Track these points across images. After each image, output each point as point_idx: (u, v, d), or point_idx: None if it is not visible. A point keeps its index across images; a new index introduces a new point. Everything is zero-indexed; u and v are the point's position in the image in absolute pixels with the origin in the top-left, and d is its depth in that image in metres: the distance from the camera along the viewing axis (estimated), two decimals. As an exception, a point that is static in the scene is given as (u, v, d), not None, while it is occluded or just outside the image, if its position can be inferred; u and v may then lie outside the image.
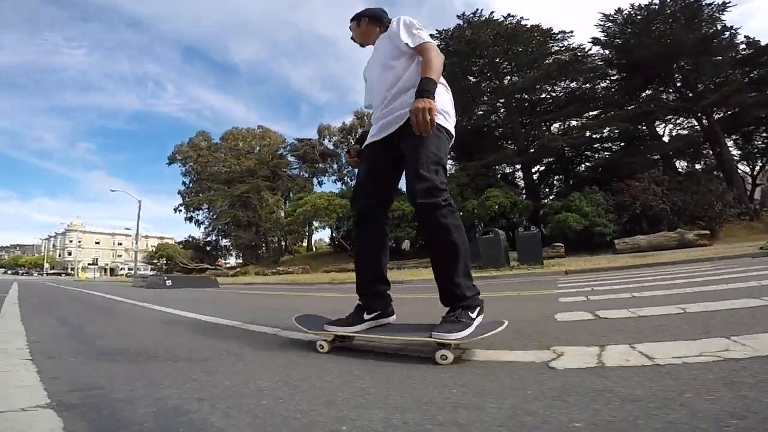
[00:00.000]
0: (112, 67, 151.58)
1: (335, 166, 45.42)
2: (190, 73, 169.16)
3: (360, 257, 1.81)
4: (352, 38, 2.01)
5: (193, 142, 44.24)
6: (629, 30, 23.68)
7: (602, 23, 24.41)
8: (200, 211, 44.66)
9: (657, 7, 22.79)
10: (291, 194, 41.62)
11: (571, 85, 25.36)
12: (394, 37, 1.73)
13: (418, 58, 1.66)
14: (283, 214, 35.05)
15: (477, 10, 25.73)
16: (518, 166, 26.04)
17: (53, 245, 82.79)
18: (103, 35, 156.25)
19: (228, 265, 42.45)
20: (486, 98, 27.20)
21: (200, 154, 42.71)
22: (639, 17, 23.49)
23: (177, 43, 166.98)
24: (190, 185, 44.75)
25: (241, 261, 42.85)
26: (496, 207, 20.13)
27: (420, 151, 1.55)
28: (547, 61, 24.42)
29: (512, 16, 24.26)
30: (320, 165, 45.19)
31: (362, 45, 2.01)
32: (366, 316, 1.69)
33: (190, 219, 44.99)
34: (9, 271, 68.12)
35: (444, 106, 1.67)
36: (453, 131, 1.73)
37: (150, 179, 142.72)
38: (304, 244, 46.32)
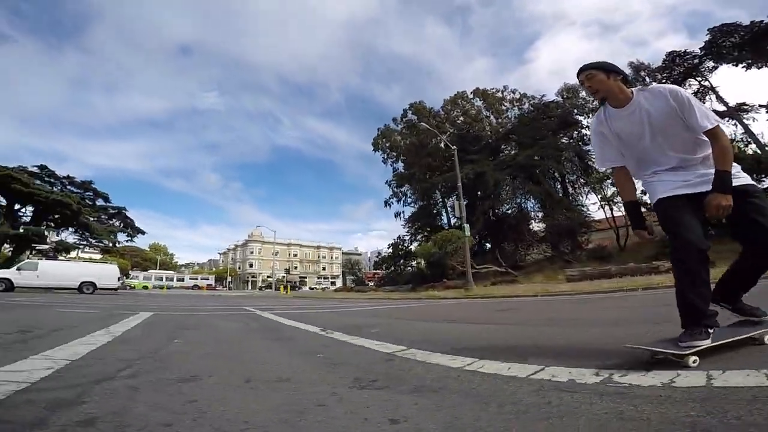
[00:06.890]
0: (239, 105, 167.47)
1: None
2: (299, 105, 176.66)
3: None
4: (589, 87, 2.00)
5: (410, 113, 35.01)
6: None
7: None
8: (408, 199, 34.97)
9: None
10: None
11: None
12: (684, 110, 1.89)
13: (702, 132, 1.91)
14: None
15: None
16: None
17: (231, 258, 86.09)
18: (225, 78, 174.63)
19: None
20: None
21: (419, 128, 32.85)
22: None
23: (280, 78, 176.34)
24: (405, 170, 35.51)
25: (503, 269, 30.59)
26: None
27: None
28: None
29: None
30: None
31: (603, 99, 2.03)
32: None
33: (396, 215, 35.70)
34: (193, 286, 54.40)
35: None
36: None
37: (287, 205, 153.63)
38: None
